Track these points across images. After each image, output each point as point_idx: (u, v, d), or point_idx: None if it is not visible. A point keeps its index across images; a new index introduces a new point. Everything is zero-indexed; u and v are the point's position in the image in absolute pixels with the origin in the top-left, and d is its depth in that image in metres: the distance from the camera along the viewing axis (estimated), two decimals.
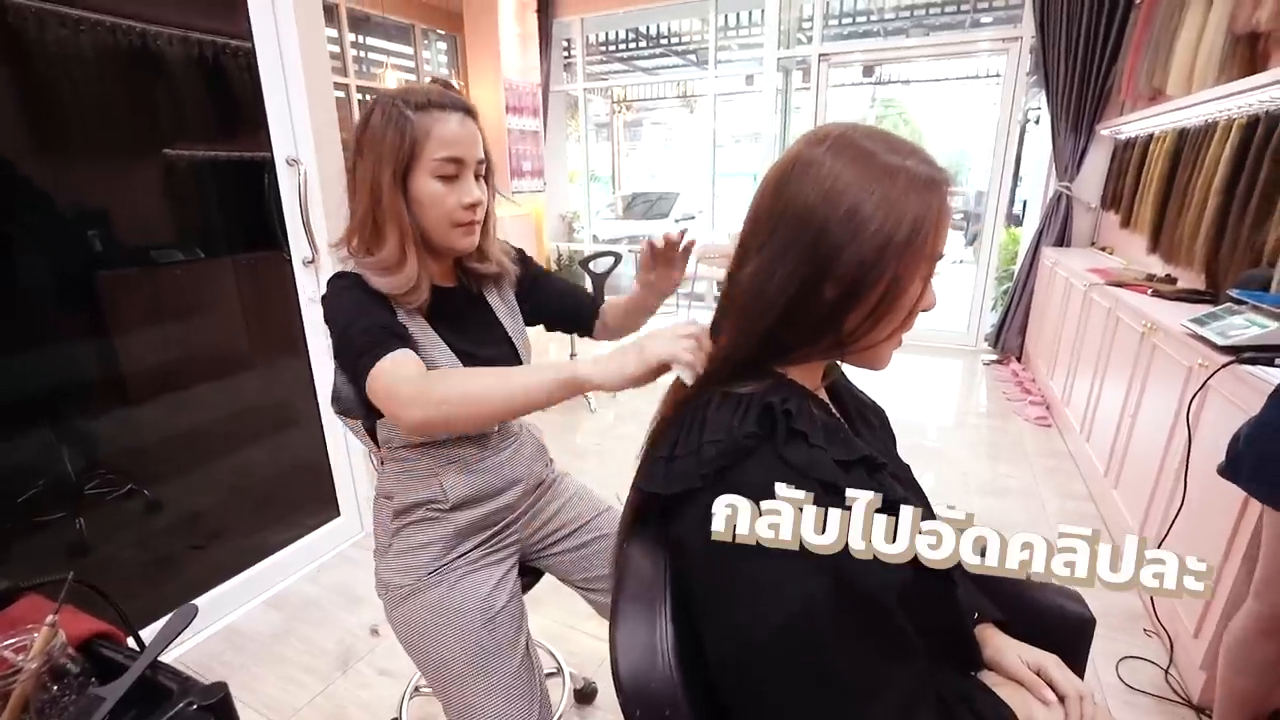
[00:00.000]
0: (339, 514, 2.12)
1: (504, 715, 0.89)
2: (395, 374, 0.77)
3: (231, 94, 1.78)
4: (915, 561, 0.56)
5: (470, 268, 1.00)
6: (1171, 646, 1.59)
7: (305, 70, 1.78)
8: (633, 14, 5.63)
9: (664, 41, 7.28)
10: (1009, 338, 3.87)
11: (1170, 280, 2.37)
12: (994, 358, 4.00)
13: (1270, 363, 1.38)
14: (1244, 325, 1.53)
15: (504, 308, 1.06)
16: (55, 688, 0.54)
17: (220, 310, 1.93)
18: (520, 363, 1.04)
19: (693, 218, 6.99)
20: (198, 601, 1.67)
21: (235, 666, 1.63)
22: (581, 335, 1.16)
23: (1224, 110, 2.08)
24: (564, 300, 1.14)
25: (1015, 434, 3.02)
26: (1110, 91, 3.29)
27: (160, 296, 1.79)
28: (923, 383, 3.79)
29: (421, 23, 5.57)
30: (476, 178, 0.90)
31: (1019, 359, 3.86)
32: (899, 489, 0.57)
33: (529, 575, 1.14)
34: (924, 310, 0.60)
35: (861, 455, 0.55)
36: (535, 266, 1.14)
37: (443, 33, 5.82)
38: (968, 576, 0.80)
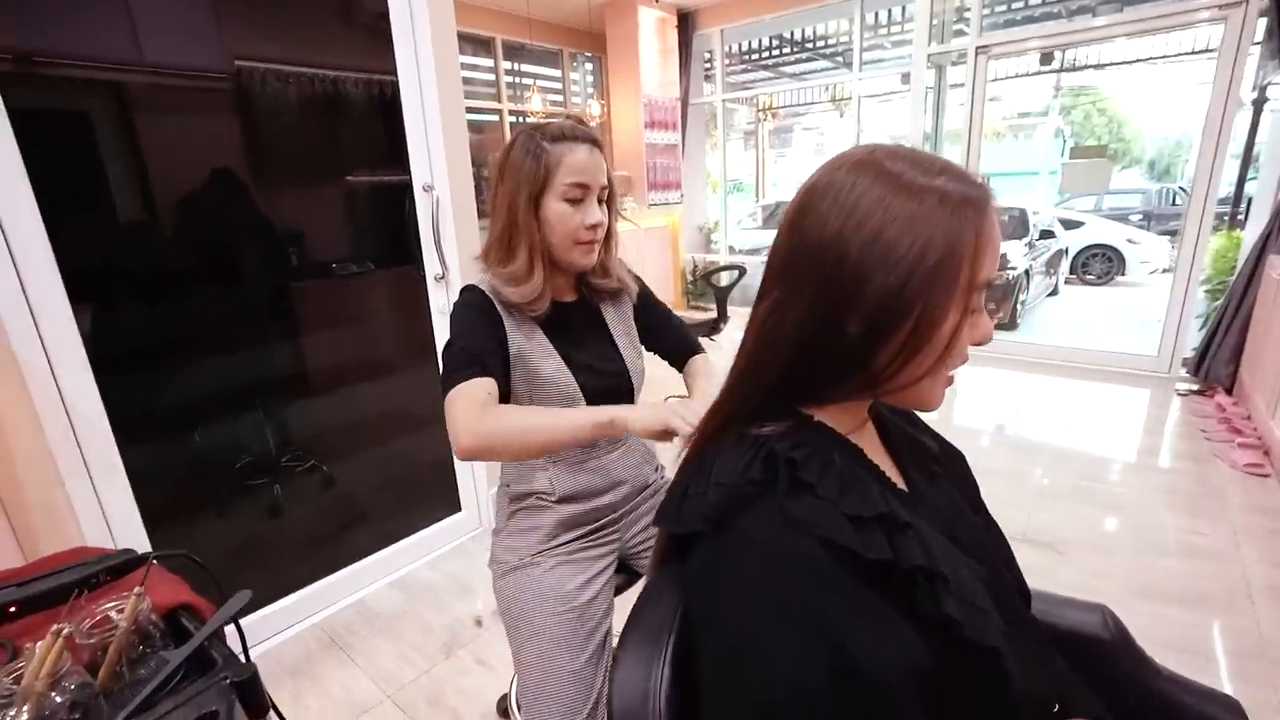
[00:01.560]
0: (460, 509, 2.30)
1: (556, 699, 0.96)
2: (460, 401, 0.87)
3: (387, 126, 2.02)
4: (948, 635, 0.49)
5: (592, 283, 1.11)
6: None
7: (441, 105, 1.96)
8: (776, 20, 5.52)
9: (809, 45, 7.04)
10: (1216, 365, 3.22)
11: None
12: (1194, 388, 3.35)
13: None
14: None
15: (620, 324, 1.15)
16: (142, 647, 0.65)
17: (376, 318, 2.22)
18: (629, 378, 1.13)
19: None
20: (337, 576, 1.95)
21: (361, 636, 1.83)
22: (671, 364, 1.26)
23: None
24: (666, 337, 1.23)
25: (1216, 483, 2.49)
26: None
27: (335, 304, 2.11)
28: (1096, 414, 3.27)
29: (569, 47, 5.91)
30: (600, 202, 1.01)
31: (1228, 391, 3.19)
32: (931, 553, 0.49)
33: (627, 574, 1.20)
34: (976, 344, 0.54)
35: (878, 513, 0.48)
36: (649, 294, 1.24)
37: (589, 55, 6.13)
38: (1055, 653, 0.67)
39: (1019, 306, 5.42)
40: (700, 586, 0.52)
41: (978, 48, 3.78)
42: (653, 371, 1.21)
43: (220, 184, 1.73)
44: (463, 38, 2.01)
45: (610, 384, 1.09)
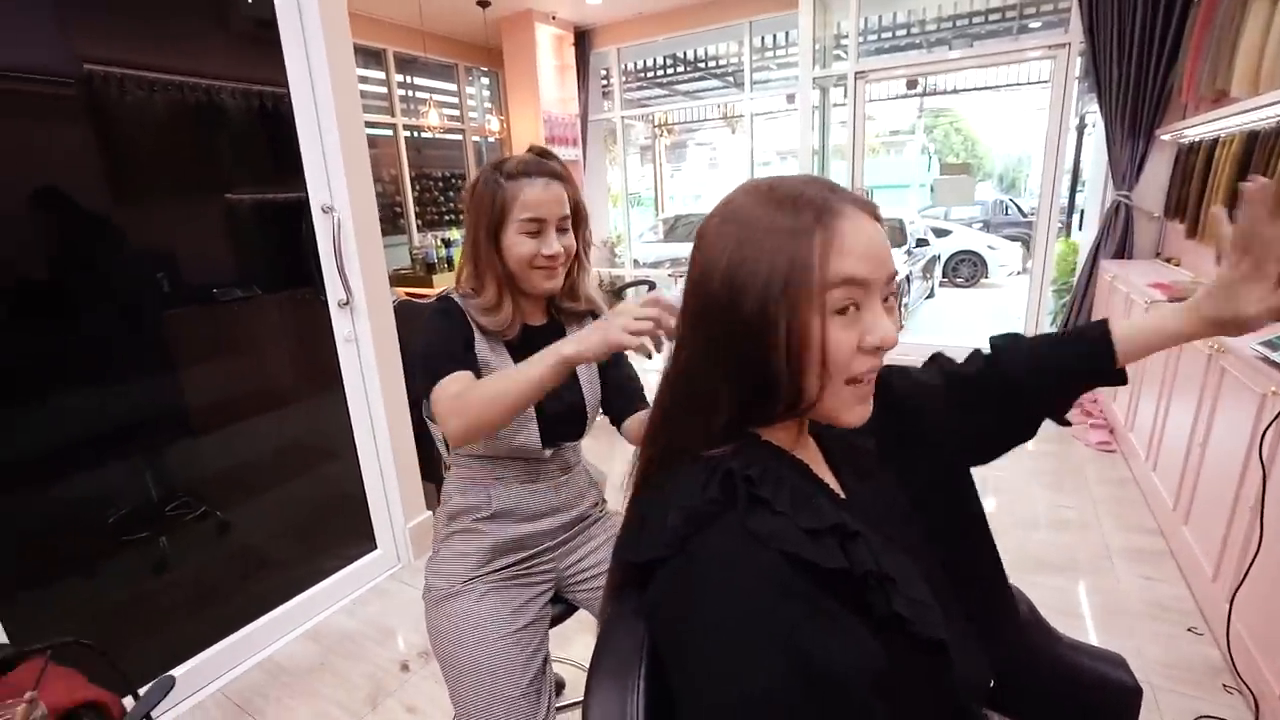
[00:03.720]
0: (375, 546, 2.17)
1: None
2: (443, 393, 0.92)
3: (277, 141, 1.88)
4: (898, 631, 0.52)
5: (561, 306, 1.13)
6: (1256, 707, 1.44)
7: (340, 121, 1.86)
8: (670, 41, 5.70)
9: (702, 65, 7.31)
10: None
11: None
12: None
13: None
14: None
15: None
16: None
17: (270, 346, 2.04)
18: (584, 408, 1.13)
19: None
20: (240, 634, 1.78)
21: (271, 699, 1.67)
22: (612, 422, 1.19)
23: None
24: (618, 387, 1.17)
25: (1075, 461, 2.83)
26: (1169, 95, 3.10)
27: (219, 333, 1.92)
28: None
29: (464, 61, 5.79)
30: (561, 230, 1.04)
31: None
32: (879, 557, 0.53)
33: (562, 605, 1.18)
34: (868, 349, 0.53)
35: (831, 524, 0.51)
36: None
37: (485, 69, 6.03)
38: (982, 637, 0.73)
39: (903, 309, 5.89)
40: (667, 608, 0.53)
41: (856, 73, 4.09)
42: None
43: (61, 201, 1.53)
44: (354, 49, 1.92)
45: (564, 410, 1.09)
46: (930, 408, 0.74)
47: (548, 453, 1.11)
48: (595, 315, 1.17)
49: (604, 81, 6.02)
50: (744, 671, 0.46)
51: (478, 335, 1.04)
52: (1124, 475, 2.64)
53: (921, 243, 6.94)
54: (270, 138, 1.90)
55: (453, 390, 0.91)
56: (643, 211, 10.09)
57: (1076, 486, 2.60)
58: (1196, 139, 2.83)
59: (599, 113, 5.99)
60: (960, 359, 0.82)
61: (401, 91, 5.35)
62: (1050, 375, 0.75)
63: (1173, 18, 2.94)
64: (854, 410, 0.56)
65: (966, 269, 8.33)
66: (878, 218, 0.56)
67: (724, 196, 0.58)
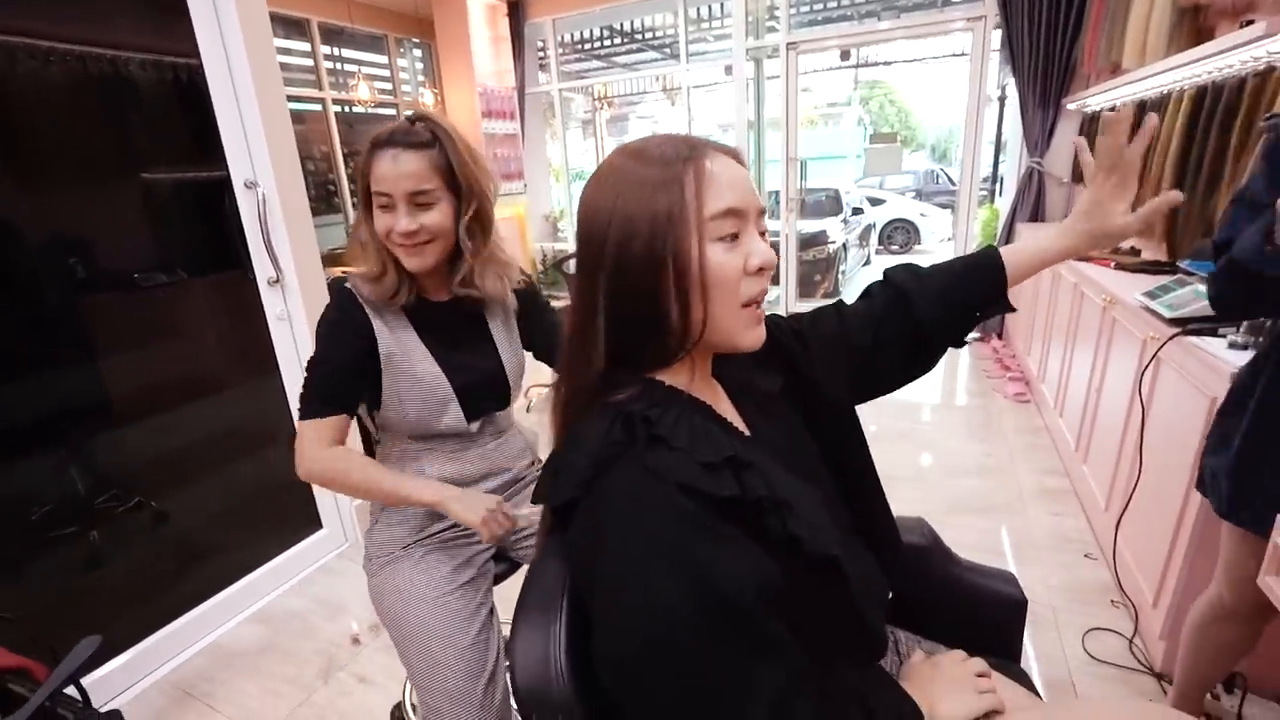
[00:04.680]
0: (321, 526, 2.16)
1: (450, 685, 0.97)
2: (309, 436, 0.97)
3: (194, 116, 1.81)
4: (796, 550, 0.59)
5: (457, 293, 1.07)
6: (1136, 617, 1.61)
7: (258, 93, 1.80)
8: (605, 12, 5.62)
9: (639, 37, 7.25)
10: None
11: (1135, 253, 2.39)
12: (976, 335, 4.01)
13: (1214, 333, 1.40)
14: (1191, 297, 1.55)
15: (501, 328, 1.15)
16: None
17: (199, 331, 1.99)
18: (505, 376, 1.13)
19: None
20: (183, 620, 1.75)
21: (219, 682, 1.67)
22: (550, 366, 1.21)
23: (1175, 82, 2.09)
24: (547, 339, 1.21)
25: (996, 412, 3.03)
26: (1074, 66, 3.29)
27: (145, 319, 1.85)
28: None
29: (394, 32, 5.58)
30: (421, 206, 0.97)
31: (999, 336, 3.87)
32: (774, 485, 0.58)
33: (505, 563, 1.20)
34: (753, 270, 0.59)
35: (725, 456, 0.56)
36: (541, 298, 1.24)
37: (417, 41, 5.83)
38: (883, 556, 0.80)
39: (840, 276, 6.08)
40: (580, 545, 0.57)
41: (788, 44, 4.15)
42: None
43: None
44: (274, 19, 1.84)
45: (483, 380, 1.11)
46: (827, 347, 0.79)
47: (475, 426, 1.12)
48: (497, 305, 1.13)
49: (541, 54, 5.91)
50: (648, 592, 0.51)
51: (377, 324, 1.01)
52: (1037, 423, 2.85)
53: (857, 211, 7.16)
54: (187, 112, 1.82)
55: (319, 439, 0.96)
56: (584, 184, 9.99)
57: (996, 435, 2.80)
58: (1097, 108, 3.02)
59: (536, 85, 5.88)
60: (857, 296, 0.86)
61: (329, 64, 5.13)
62: (955, 309, 0.81)
63: None
64: (751, 333, 0.61)
65: (900, 236, 8.64)
66: (742, 162, 0.62)
67: (604, 162, 0.62)
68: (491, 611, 1.09)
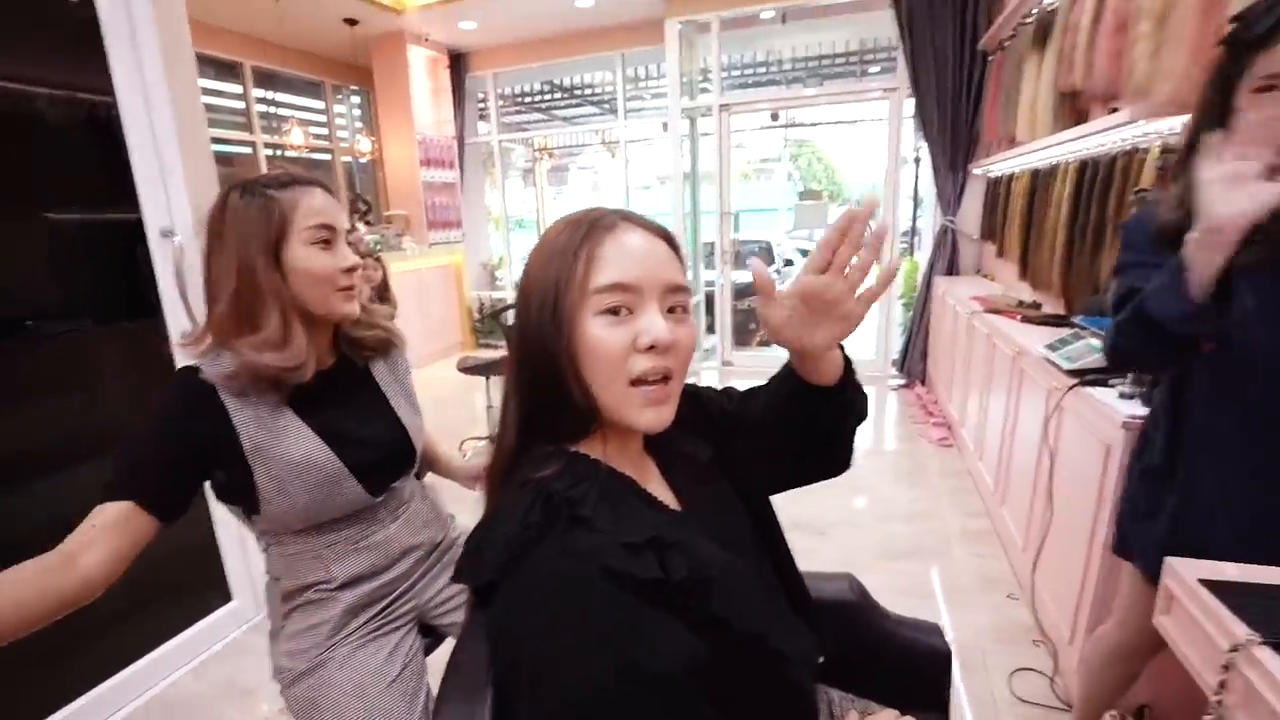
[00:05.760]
0: (231, 598, 2.00)
1: None
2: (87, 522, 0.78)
3: (106, 156, 1.72)
4: (723, 628, 0.58)
5: (353, 337, 1.00)
6: (1055, 654, 1.68)
7: (180, 137, 1.74)
8: (546, 68, 5.79)
9: (579, 92, 7.49)
10: (913, 362, 4.09)
11: (1036, 306, 2.58)
12: (901, 382, 4.21)
13: (1105, 384, 1.51)
14: (1085, 350, 1.68)
15: (393, 383, 1.06)
16: None
17: (103, 385, 1.84)
18: (409, 441, 1.04)
19: None
20: (68, 710, 1.56)
21: None
22: None
23: (1059, 155, 2.31)
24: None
25: (921, 457, 3.16)
26: (978, 135, 3.60)
27: (37, 370, 1.69)
28: None
29: (331, 79, 5.55)
30: (350, 244, 0.94)
31: (923, 382, 4.07)
32: (700, 563, 0.58)
33: (432, 636, 1.13)
34: (641, 349, 0.56)
35: (648, 537, 0.56)
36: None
37: (355, 88, 5.81)
38: (815, 620, 0.81)
39: None
40: (502, 630, 0.56)
41: (720, 105, 4.37)
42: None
43: None
44: (203, 60, 1.80)
45: (384, 454, 1.00)
46: (752, 430, 0.77)
47: (380, 499, 1.00)
48: (393, 344, 1.06)
49: (481, 105, 6.00)
50: (573, 677, 0.49)
51: (239, 416, 0.85)
52: (960, 467, 2.98)
53: (789, 262, 7.48)
54: (100, 152, 1.73)
55: (88, 524, 0.77)
56: (525, 234, 10.06)
57: (924, 480, 2.90)
58: (998, 174, 3.31)
59: (476, 135, 5.95)
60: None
61: (261, 107, 5.03)
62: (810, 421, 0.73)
63: (974, 72, 3.44)
64: (645, 413, 0.58)
65: None
66: (663, 236, 0.63)
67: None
68: (429, 694, 1.02)
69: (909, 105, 3.94)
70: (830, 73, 6.10)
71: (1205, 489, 0.99)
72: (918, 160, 4.59)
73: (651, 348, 0.56)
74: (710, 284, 4.86)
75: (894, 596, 2.02)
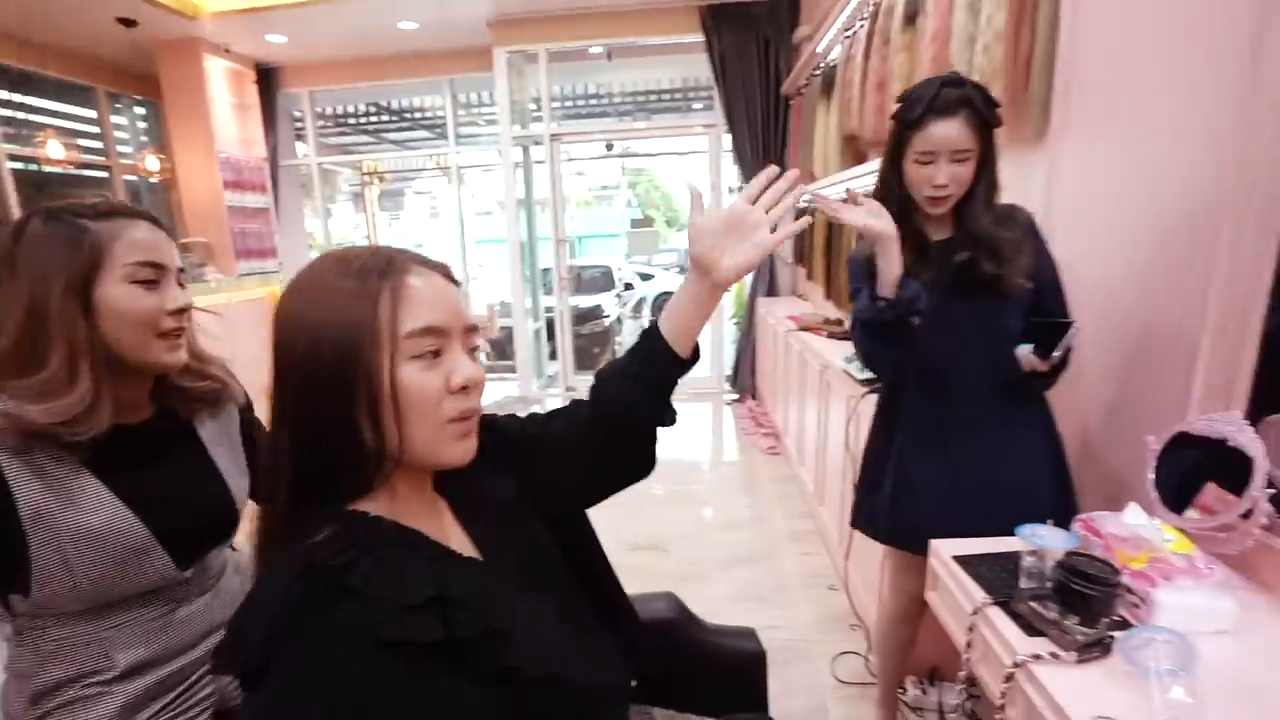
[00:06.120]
0: None
1: None
2: None
3: None
4: (516, 677, 0.55)
5: (184, 388, 0.89)
6: (868, 636, 1.87)
7: None
8: (372, 89, 5.52)
9: (408, 116, 7.22)
10: (743, 377, 4.41)
11: (840, 323, 2.90)
12: (735, 397, 4.51)
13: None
14: None
15: (222, 440, 0.94)
16: None
17: None
18: (233, 504, 0.93)
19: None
20: None
21: None
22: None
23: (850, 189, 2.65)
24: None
25: (755, 466, 3.40)
26: (785, 169, 4.00)
27: None
28: (684, 429, 4.11)
29: (107, 86, 4.83)
30: (180, 285, 0.85)
31: (754, 396, 4.39)
32: (491, 615, 0.56)
33: None
34: (456, 389, 0.58)
35: (429, 597, 0.53)
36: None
37: (139, 98, 5.11)
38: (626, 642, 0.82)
39: (617, 348, 6.46)
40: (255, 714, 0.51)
41: (551, 135, 4.45)
42: None
43: None
44: None
45: (200, 520, 0.89)
46: (559, 448, 0.78)
47: (189, 572, 0.88)
48: (226, 397, 0.96)
49: (299, 125, 5.55)
50: None
51: (18, 476, 0.74)
52: (787, 473, 3.24)
53: (629, 286, 7.75)
54: None
55: None
56: None
57: (757, 487, 3.12)
58: (804, 205, 3.70)
59: (294, 158, 5.49)
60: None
61: (7, 112, 4.24)
62: (645, 392, 0.77)
63: (780, 113, 3.84)
64: (458, 447, 0.59)
65: None
66: (449, 277, 0.62)
67: (306, 266, 0.60)
68: None
69: (728, 140, 4.29)
70: (658, 107, 6.48)
71: (910, 471, 1.25)
72: (742, 190, 5.02)
73: (464, 388, 0.58)
74: (550, 310, 4.88)
75: (736, 603, 2.15)
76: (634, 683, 0.81)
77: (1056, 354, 1.07)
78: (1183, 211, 1.04)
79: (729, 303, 4.88)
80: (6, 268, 0.76)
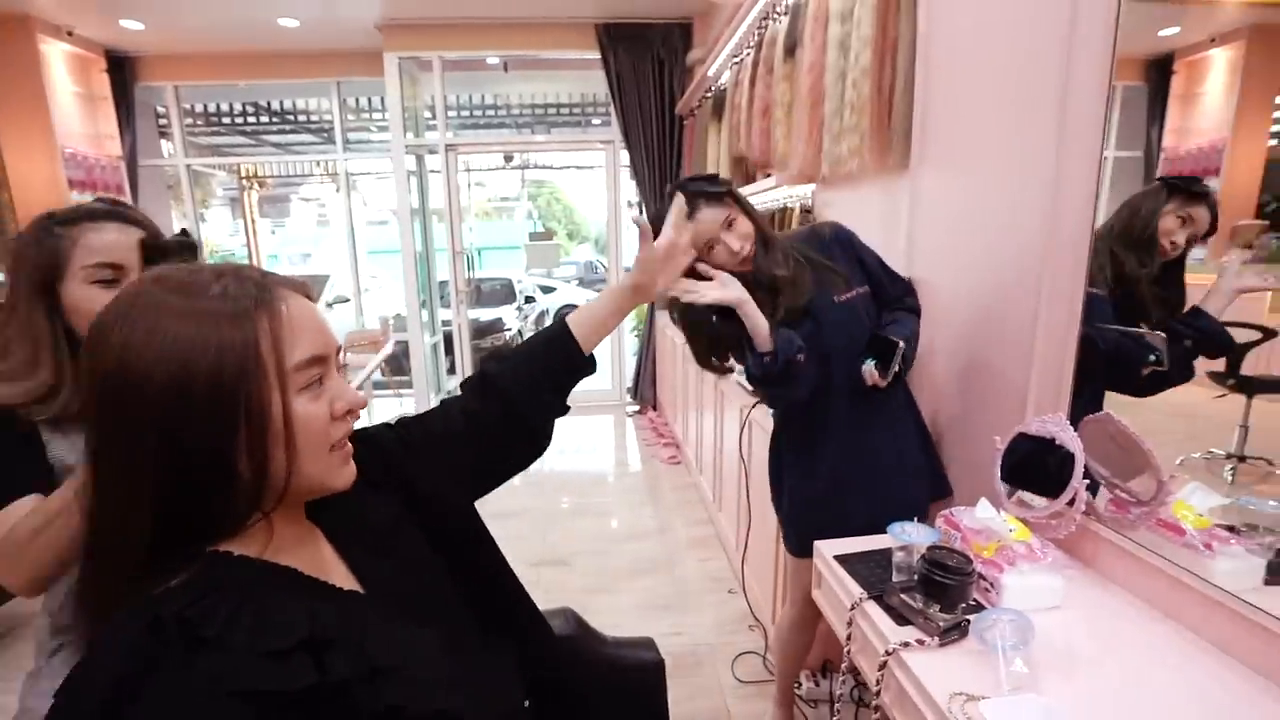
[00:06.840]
0: None
1: None
2: None
3: None
4: (398, 716, 0.53)
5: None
6: (765, 635, 1.94)
7: None
8: (250, 88, 5.13)
9: (291, 118, 6.77)
10: (644, 389, 4.48)
11: None
12: (636, 408, 4.57)
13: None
14: None
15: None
16: None
17: None
18: None
19: (346, 300, 6.50)
20: None
21: None
22: None
23: None
24: None
25: (654, 475, 3.45)
26: None
27: None
28: (587, 442, 4.11)
29: None
30: None
31: (654, 408, 4.47)
32: (369, 652, 0.53)
33: None
34: (340, 415, 0.57)
35: (300, 639, 0.50)
36: None
37: None
38: (531, 649, 0.81)
39: None
40: None
41: (446, 145, 4.33)
42: None
43: None
44: None
45: None
46: (436, 448, 0.77)
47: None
48: None
49: (162, 121, 5.06)
50: None
51: (49, 433, 0.86)
52: (687, 481, 3.32)
53: (530, 299, 7.66)
54: None
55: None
56: None
57: (659, 497, 3.17)
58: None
59: (158, 157, 5.00)
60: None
61: None
62: (541, 383, 0.83)
63: (674, 132, 3.97)
64: (343, 472, 0.59)
65: None
66: (312, 297, 0.60)
67: (125, 291, 0.53)
68: None
69: (625, 155, 4.37)
70: (558, 121, 6.47)
71: (797, 483, 1.38)
72: (641, 204, 5.11)
73: (349, 412, 0.58)
74: (447, 324, 4.72)
75: (642, 611, 2.17)
76: (526, 703, 0.80)
77: (894, 368, 1.23)
78: (1016, 245, 1.18)
79: (630, 316, 4.94)
80: (12, 269, 0.88)
